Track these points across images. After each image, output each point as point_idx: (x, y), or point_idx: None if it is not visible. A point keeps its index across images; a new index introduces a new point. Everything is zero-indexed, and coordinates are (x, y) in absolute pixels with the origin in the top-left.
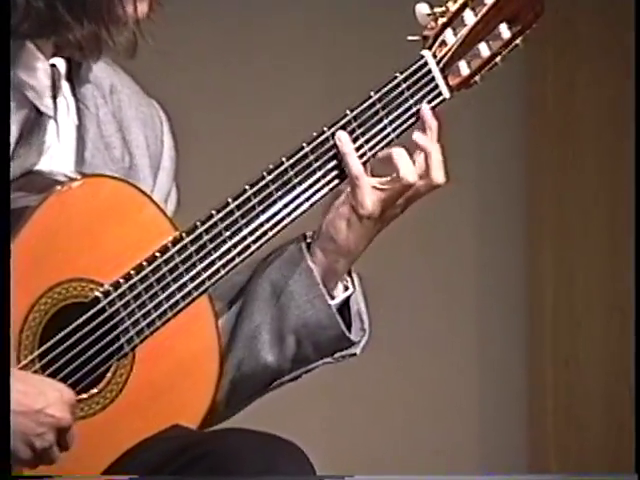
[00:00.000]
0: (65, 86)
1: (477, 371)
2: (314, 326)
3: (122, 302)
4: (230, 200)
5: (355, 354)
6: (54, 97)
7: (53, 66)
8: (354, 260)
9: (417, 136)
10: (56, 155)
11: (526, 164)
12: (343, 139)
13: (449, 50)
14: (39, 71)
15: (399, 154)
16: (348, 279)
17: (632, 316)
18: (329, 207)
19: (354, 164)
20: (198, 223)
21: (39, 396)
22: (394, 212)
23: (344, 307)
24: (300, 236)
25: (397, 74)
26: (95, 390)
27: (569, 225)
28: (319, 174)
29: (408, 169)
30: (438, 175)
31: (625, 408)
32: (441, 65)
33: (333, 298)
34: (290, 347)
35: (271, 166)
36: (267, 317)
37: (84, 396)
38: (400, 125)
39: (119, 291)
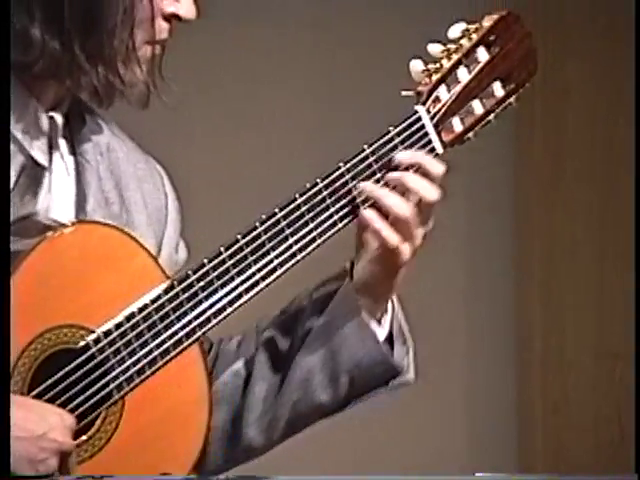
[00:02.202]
0: (62, 139)
1: (466, 372)
2: (367, 365)
3: (112, 349)
4: (222, 249)
5: (410, 382)
6: (50, 148)
7: (51, 118)
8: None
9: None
10: (55, 207)
11: (515, 200)
12: (369, 216)
13: (443, 106)
14: (37, 122)
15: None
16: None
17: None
18: (358, 257)
19: (390, 237)
20: (190, 272)
21: (40, 421)
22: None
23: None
24: (343, 272)
25: (390, 128)
26: (84, 437)
27: (558, 270)
28: (311, 225)
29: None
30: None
31: (615, 405)
32: (435, 121)
33: (381, 325)
34: (344, 386)
35: (263, 216)
36: (319, 358)
37: None
38: None
39: (109, 338)
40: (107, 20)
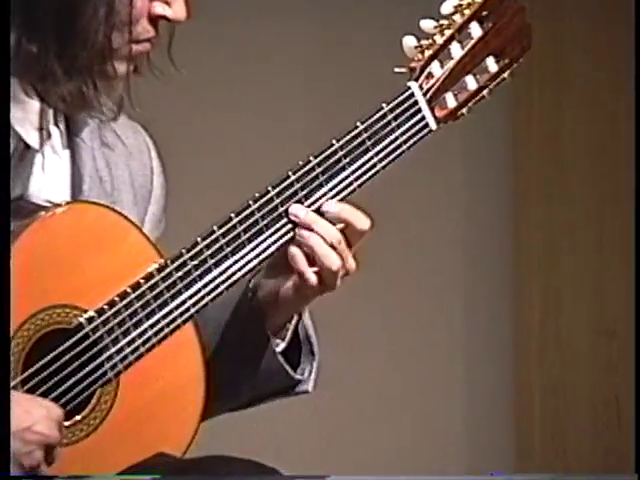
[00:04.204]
0: (55, 120)
1: (463, 357)
2: (265, 374)
3: (106, 328)
4: (216, 228)
5: (307, 391)
6: (41, 130)
7: (43, 100)
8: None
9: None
10: (48, 188)
11: (513, 191)
12: (296, 255)
13: (436, 82)
14: (28, 104)
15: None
16: None
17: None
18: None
19: (311, 279)
20: (184, 250)
21: (25, 414)
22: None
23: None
24: (247, 289)
25: (383, 105)
26: (78, 417)
27: (556, 251)
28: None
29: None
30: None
31: (614, 387)
32: (428, 97)
33: (284, 338)
34: (246, 391)
35: (257, 194)
36: (225, 363)
37: (67, 423)
38: (387, 156)
39: (103, 317)
40: (82, 30)
